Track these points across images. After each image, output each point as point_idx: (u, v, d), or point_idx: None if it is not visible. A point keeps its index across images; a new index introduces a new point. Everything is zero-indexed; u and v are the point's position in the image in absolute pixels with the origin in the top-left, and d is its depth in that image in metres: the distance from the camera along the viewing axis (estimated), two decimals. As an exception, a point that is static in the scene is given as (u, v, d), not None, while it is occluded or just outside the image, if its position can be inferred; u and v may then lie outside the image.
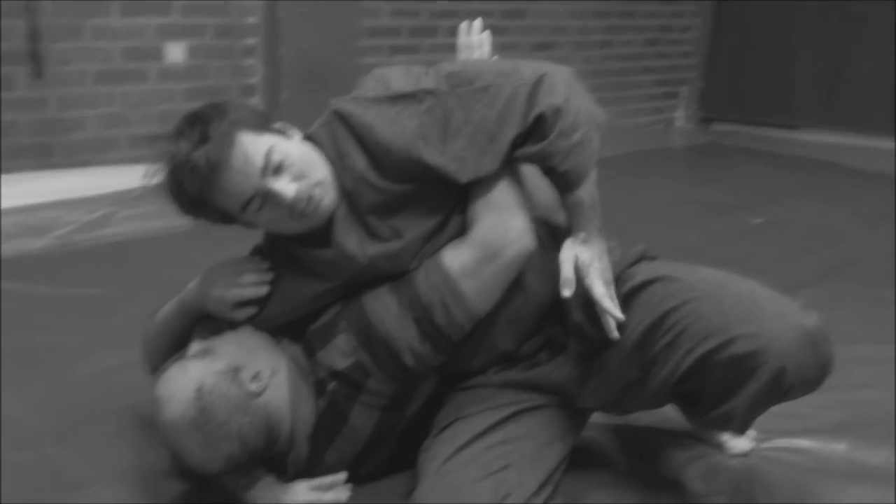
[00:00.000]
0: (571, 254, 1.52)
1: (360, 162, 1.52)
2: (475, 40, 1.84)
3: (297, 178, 1.48)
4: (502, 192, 1.53)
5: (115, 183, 3.82)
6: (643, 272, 1.59)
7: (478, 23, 1.87)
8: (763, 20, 5.76)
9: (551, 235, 1.62)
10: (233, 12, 4.20)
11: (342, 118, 1.53)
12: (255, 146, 1.45)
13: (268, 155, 1.45)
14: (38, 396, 2.06)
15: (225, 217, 1.53)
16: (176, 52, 4.10)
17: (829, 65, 5.51)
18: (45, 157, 3.82)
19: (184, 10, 4.06)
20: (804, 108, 5.67)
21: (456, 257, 1.52)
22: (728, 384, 1.46)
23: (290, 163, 1.47)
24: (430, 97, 1.50)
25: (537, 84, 1.48)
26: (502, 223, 1.51)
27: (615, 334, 1.51)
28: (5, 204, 3.50)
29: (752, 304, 1.44)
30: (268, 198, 1.47)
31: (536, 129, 1.48)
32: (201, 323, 1.69)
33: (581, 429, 1.73)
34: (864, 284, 2.93)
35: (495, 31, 5.15)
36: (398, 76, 1.55)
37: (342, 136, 1.53)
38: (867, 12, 5.29)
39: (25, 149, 3.77)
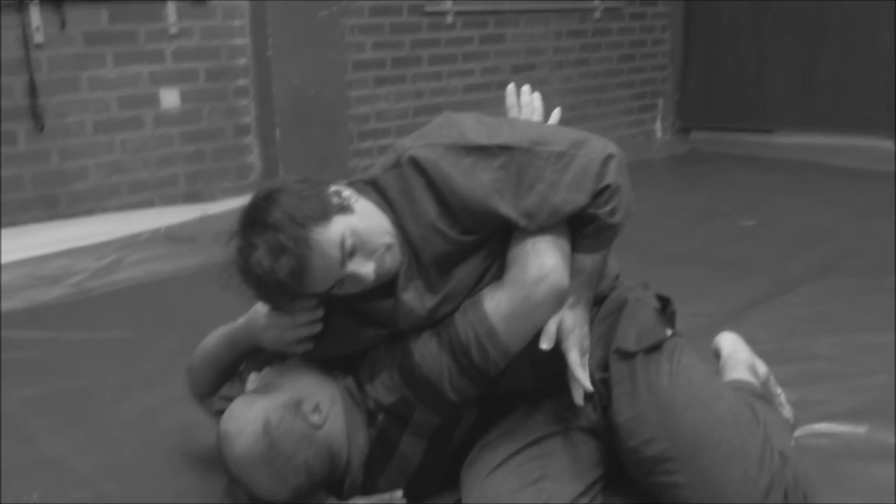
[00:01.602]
0: (558, 314, 1.58)
1: (431, 210, 1.55)
2: (524, 100, 1.86)
3: (370, 253, 1.51)
4: (542, 238, 1.57)
5: (120, 229, 3.90)
6: (644, 377, 1.63)
7: (526, 87, 1.88)
8: (733, 29, 5.91)
9: None
10: (223, 55, 4.29)
11: (415, 164, 1.55)
12: (329, 240, 1.46)
13: (342, 244, 1.47)
14: (83, 437, 2.12)
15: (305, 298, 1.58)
16: (170, 98, 4.17)
17: (798, 68, 5.66)
18: (51, 207, 3.88)
19: (175, 56, 4.14)
20: (778, 112, 5.81)
21: (492, 297, 1.58)
22: None
23: (361, 242, 1.49)
24: (505, 154, 1.55)
25: (607, 161, 1.55)
26: (536, 263, 1.55)
27: (580, 401, 1.59)
28: (15, 256, 3.56)
29: (717, 490, 1.52)
30: (348, 279, 1.51)
31: (595, 198, 1.56)
32: (253, 354, 1.75)
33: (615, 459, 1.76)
34: (860, 276, 3.04)
35: (476, 56, 5.33)
36: (472, 126, 1.58)
37: (414, 182, 1.56)
38: (832, 16, 5.45)
39: (31, 202, 3.82)
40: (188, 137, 4.26)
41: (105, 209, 4.04)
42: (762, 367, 2.00)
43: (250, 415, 1.56)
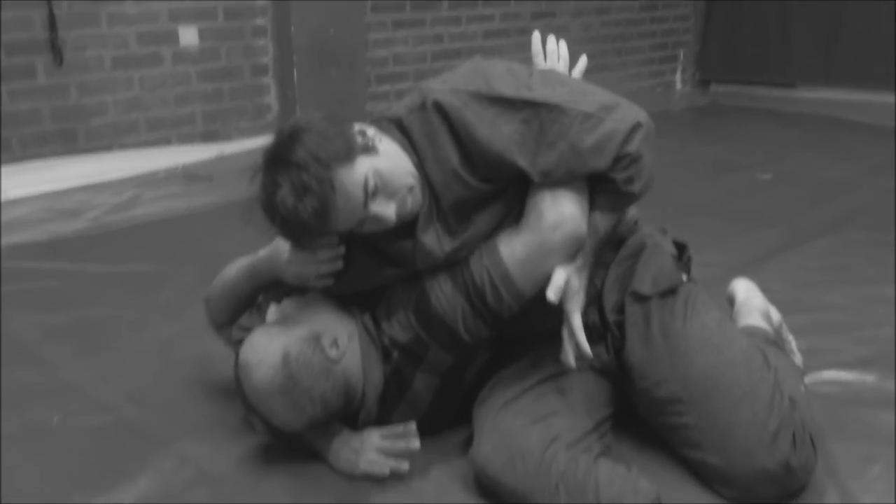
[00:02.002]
0: (566, 272, 1.58)
1: (454, 156, 1.55)
2: (550, 48, 1.83)
3: (392, 194, 1.52)
4: (560, 188, 1.57)
5: (138, 166, 3.93)
6: (658, 320, 1.66)
7: (551, 36, 1.85)
8: (758, -19, 5.83)
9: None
10: (242, -7, 4.27)
11: (440, 109, 1.55)
12: (352, 181, 1.47)
13: (365, 185, 1.48)
14: (103, 365, 2.17)
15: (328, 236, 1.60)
16: (189, 35, 4.16)
17: (824, 22, 5.59)
18: (70, 142, 3.90)
19: (194, -7, 4.12)
20: (801, 66, 5.75)
21: (508, 242, 1.59)
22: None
23: (383, 183, 1.50)
24: (529, 108, 1.54)
25: (634, 129, 1.53)
26: (554, 210, 1.55)
27: (572, 363, 1.60)
28: (34, 190, 3.59)
29: (728, 428, 1.55)
30: (369, 219, 1.53)
31: (615, 163, 1.55)
32: (272, 286, 1.78)
33: (625, 398, 1.79)
34: (874, 231, 3.04)
35: (496, 1, 5.23)
36: (500, 75, 1.57)
37: (438, 127, 1.55)
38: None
39: (50, 136, 3.84)
40: (206, 76, 4.26)
41: (123, 146, 4.07)
42: (776, 314, 2.02)
43: (270, 346, 1.59)
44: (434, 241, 1.61)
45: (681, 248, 1.83)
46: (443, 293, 1.61)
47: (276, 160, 1.49)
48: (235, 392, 1.79)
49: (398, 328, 1.66)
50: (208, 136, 4.32)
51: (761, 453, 1.51)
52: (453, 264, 1.63)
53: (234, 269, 1.84)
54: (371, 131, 1.55)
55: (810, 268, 2.71)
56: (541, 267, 1.57)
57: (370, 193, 1.49)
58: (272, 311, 1.67)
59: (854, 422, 1.81)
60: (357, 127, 1.54)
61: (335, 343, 1.62)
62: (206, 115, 4.30)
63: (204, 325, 2.30)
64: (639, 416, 1.73)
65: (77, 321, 2.42)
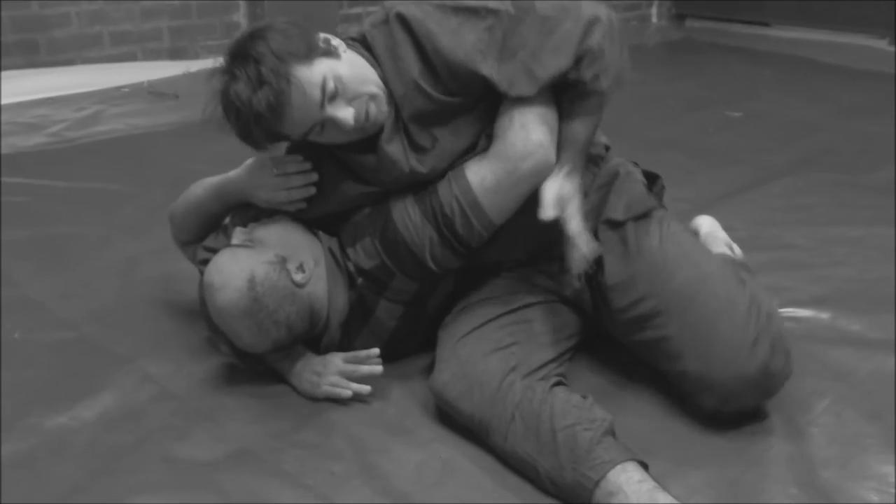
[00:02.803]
0: (556, 183, 1.58)
1: (414, 68, 1.55)
2: None
3: (352, 98, 1.51)
4: (528, 111, 1.57)
5: (102, 80, 3.84)
6: (635, 241, 1.67)
7: None
8: (739, -85, 5.74)
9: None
10: None
11: (402, 21, 1.54)
12: (309, 80, 1.47)
13: (323, 86, 1.48)
14: (65, 283, 2.15)
15: (284, 140, 1.60)
16: (156, -53, 4.04)
17: (802, -39, 5.54)
18: (31, 54, 3.79)
19: None
20: (777, 5, 5.71)
21: (477, 171, 1.59)
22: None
23: (343, 87, 1.50)
24: (492, 16, 1.54)
25: (591, 24, 1.52)
26: (522, 137, 1.55)
27: (580, 269, 1.61)
28: (-6, 102, 3.51)
29: (708, 336, 1.56)
30: (328, 123, 1.52)
31: (578, 63, 1.54)
32: (240, 207, 1.77)
33: (590, 328, 1.82)
34: (839, 172, 3.06)
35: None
36: None
37: (400, 39, 1.55)
38: None
39: (9, 46, 3.73)
40: (173, -10, 4.15)
41: (86, 60, 3.96)
42: (738, 250, 2.05)
43: (235, 268, 1.58)
44: (399, 151, 1.60)
45: (652, 178, 1.84)
46: (411, 221, 1.61)
47: (235, 55, 1.50)
48: (199, 312, 1.80)
49: (363, 255, 1.66)
50: (175, 53, 4.22)
51: (742, 359, 1.53)
52: (421, 187, 1.62)
53: (202, 188, 1.82)
54: (336, 41, 1.55)
55: (773, 207, 2.73)
56: (510, 195, 1.58)
57: (328, 96, 1.49)
58: (238, 234, 1.66)
59: (806, 357, 1.85)
60: (322, 35, 1.55)
61: (301, 267, 1.62)
62: (172, 31, 4.20)
63: (167, 244, 2.28)
64: (599, 342, 1.75)
65: (40, 238, 2.39)
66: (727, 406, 1.58)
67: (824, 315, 2.03)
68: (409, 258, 1.62)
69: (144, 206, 2.62)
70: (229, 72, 1.49)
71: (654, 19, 6.25)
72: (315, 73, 1.48)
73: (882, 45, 5.24)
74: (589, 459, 1.40)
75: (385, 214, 1.64)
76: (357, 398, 1.66)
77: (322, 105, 1.49)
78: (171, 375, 1.76)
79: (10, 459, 1.51)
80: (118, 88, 3.79)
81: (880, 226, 2.55)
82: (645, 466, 1.41)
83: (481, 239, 1.61)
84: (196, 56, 4.26)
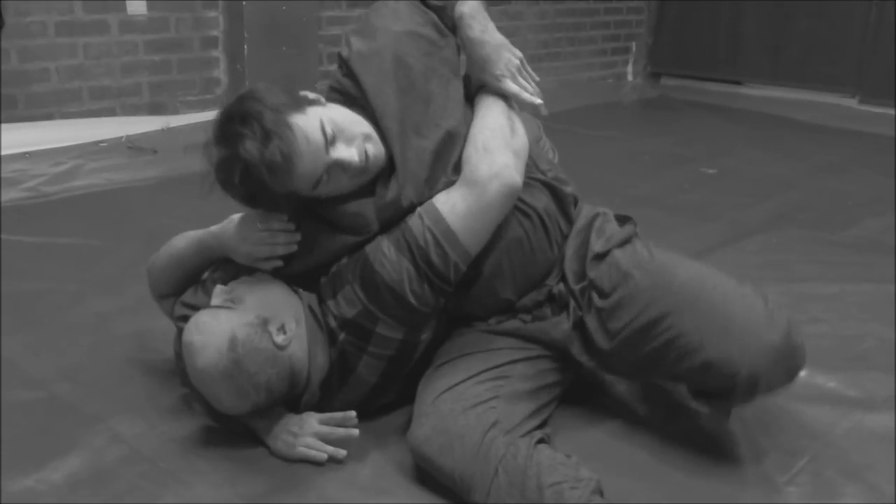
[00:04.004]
0: (501, 68, 1.71)
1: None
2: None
3: (349, 139, 1.58)
4: (492, 137, 1.65)
5: (80, 135, 3.83)
6: (626, 260, 1.71)
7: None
8: (711, -23, 5.89)
9: (557, 199, 1.75)
10: (193, -37, 4.18)
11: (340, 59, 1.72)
12: (308, 124, 1.54)
13: (322, 129, 1.55)
14: (36, 339, 2.12)
15: (290, 200, 1.61)
16: (137, 4, 4.06)
17: (774, 21, 5.67)
18: (9, 108, 3.79)
19: (143, -39, 4.03)
20: (750, 64, 5.84)
21: (447, 200, 1.61)
22: (707, 390, 1.67)
23: (339, 129, 1.57)
24: None
25: None
26: (487, 161, 1.61)
27: (537, 99, 1.72)
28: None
29: (725, 322, 1.57)
30: (333, 168, 1.57)
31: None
32: (220, 264, 1.75)
33: (571, 378, 1.82)
34: (812, 229, 3.11)
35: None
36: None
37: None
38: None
39: (-12, 101, 3.73)
40: (154, 46, 4.17)
41: (65, 115, 3.96)
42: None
43: (217, 329, 1.56)
44: (381, 190, 1.65)
45: (624, 220, 1.87)
46: (386, 258, 1.60)
47: (230, 118, 1.53)
48: (175, 370, 1.78)
49: (344, 304, 1.64)
50: (154, 109, 4.23)
51: (763, 332, 1.54)
52: (394, 229, 1.63)
53: (183, 241, 1.81)
54: (313, 95, 1.64)
55: (749, 263, 2.76)
56: (482, 219, 1.61)
57: (329, 139, 1.53)
58: (219, 293, 1.64)
59: (782, 415, 1.85)
60: (302, 91, 1.62)
61: (282, 328, 1.60)
62: (152, 87, 4.21)
63: (142, 301, 2.26)
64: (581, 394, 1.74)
65: (11, 293, 2.36)
66: (757, 390, 1.56)
67: (801, 372, 2.03)
68: (390, 296, 1.60)
69: (120, 261, 2.60)
70: (230, 136, 1.52)
71: (630, 77, 6.37)
72: (311, 119, 1.55)
73: (851, 102, 5.37)
74: None
75: (362, 259, 1.63)
76: (332, 460, 1.64)
77: (326, 148, 1.55)
78: (143, 435, 1.72)
79: (-27, 524, 1.46)
80: (97, 143, 3.78)
81: (854, 282, 2.58)
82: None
83: (458, 270, 1.61)
84: (175, 111, 4.27)
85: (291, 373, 1.62)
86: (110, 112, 4.09)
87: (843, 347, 2.17)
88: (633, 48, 6.33)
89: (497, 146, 1.63)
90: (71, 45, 3.92)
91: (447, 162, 1.66)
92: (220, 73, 4.42)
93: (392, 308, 1.61)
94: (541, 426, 1.65)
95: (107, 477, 1.60)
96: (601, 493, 1.45)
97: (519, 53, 1.74)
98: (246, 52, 4.28)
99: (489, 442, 1.51)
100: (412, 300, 1.60)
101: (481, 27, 1.73)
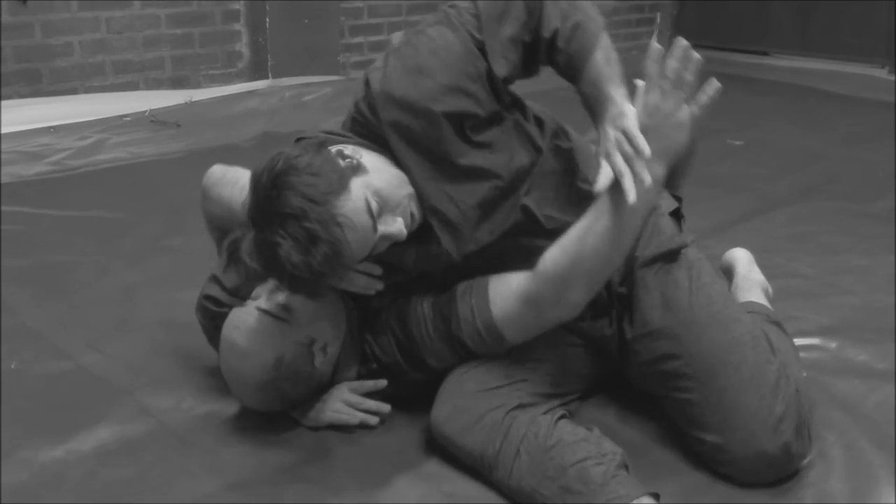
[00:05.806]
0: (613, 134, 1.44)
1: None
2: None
3: (395, 208, 1.46)
4: (578, 267, 1.47)
5: (104, 109, 3.84)
6: (660, 296, 1.61)
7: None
8: (738, -55, 5.78)
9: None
10: (215, -65, 4.16)
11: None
12: (355, 210, 1.39)
13: (368, 208, 1.41)
14: (63, 312, 2.13)
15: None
16: (159, -23, 4.06)
17: (802, -10, 5.58)
18: (33, 83, 3.80)
19: (165, -67, 4.01)
20: (777, 34, 5.74)
21: (504, 307, 1.53)
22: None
23: (384, 200, 1.43)
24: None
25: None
26: (560, 294, 1.48)
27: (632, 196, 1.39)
28: (-4, 131, 3.51)
29: (733, 409, 1.51)
30: (380, 242, 1.47)
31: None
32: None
33: (606, 371, 1.78)
34: (842, 200, 3.06)
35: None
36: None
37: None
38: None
39: (12, 76, 3.74)
40: (176, 20, 4.16)
41: (89, 89, 3.97)
42: (770, 288, 2.02)
43: (267, 344, 1.55)
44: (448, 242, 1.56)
45: (675, 201, 1.78)
46: (429, 337, 1.59)
47: (267, 217, 1.36)
48: (192, 343, 1.77)
49: (380, 350, 1.66)
50: (177, 82, 4.23)
51: (765, 437, 1.49)
52: (442, 303, 1.59)
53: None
54: (349, 149, 1.45)
55: (777, 235, 2.72)
56: (533, 331, 1.55)
57: (375, 215, 1.42)
58: (269, 293, 1.59)
59: (813, 388, 1.83)
60: (334, 149, 1.44)
61: (324, 349, 1.60)
62: (175, 61, 4.21)
63: (167, 274, 2.28)
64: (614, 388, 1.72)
65: (39, 266, 2.37)
66: (742, 479, 1.53)
67: (831, 345, 2.01)
68: (424, 366, 1.62)
69: (144, 234, 2.61)
70: (267, 238, 1.36)
71: (655, 48, 6.27)
72: (356, 199, 1.39)
73: (881, 73, 5.26)
74: (603, 493, 1.37)
75: (403, 320, 1.62)
76: (363, 426, 1.64)
77: (374, 228, 1.43)
78: (170, 408, 1.73)
79: (3, 493, 1.47)
80: (120, 117, 3.79)
81: (885, 254, 2.54)
82: (657, 498, 1.39)
83: (494, 353, 1.59)
84: (198, 85, 4.27)
85: (317, 389, 1.66)
86: (133, 86, 4.09)
87: (874, 320, 2.13)
88: (658, 19, 6.24)
89: (576, 275, 1.46)
90: (94, 19, 3.91)
91: (491, 214, 1.57)
92: (243, 46, 4.41)
93: (424, 370, 1.63)
94: (564, 406, 1.63)
95: (135, 448, 1.61)
96: (627, 468, 1.43)
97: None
98: (268, 25, 4.26)
99: (510, 421, 1.50)
100: (437, 366, 1.62)
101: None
